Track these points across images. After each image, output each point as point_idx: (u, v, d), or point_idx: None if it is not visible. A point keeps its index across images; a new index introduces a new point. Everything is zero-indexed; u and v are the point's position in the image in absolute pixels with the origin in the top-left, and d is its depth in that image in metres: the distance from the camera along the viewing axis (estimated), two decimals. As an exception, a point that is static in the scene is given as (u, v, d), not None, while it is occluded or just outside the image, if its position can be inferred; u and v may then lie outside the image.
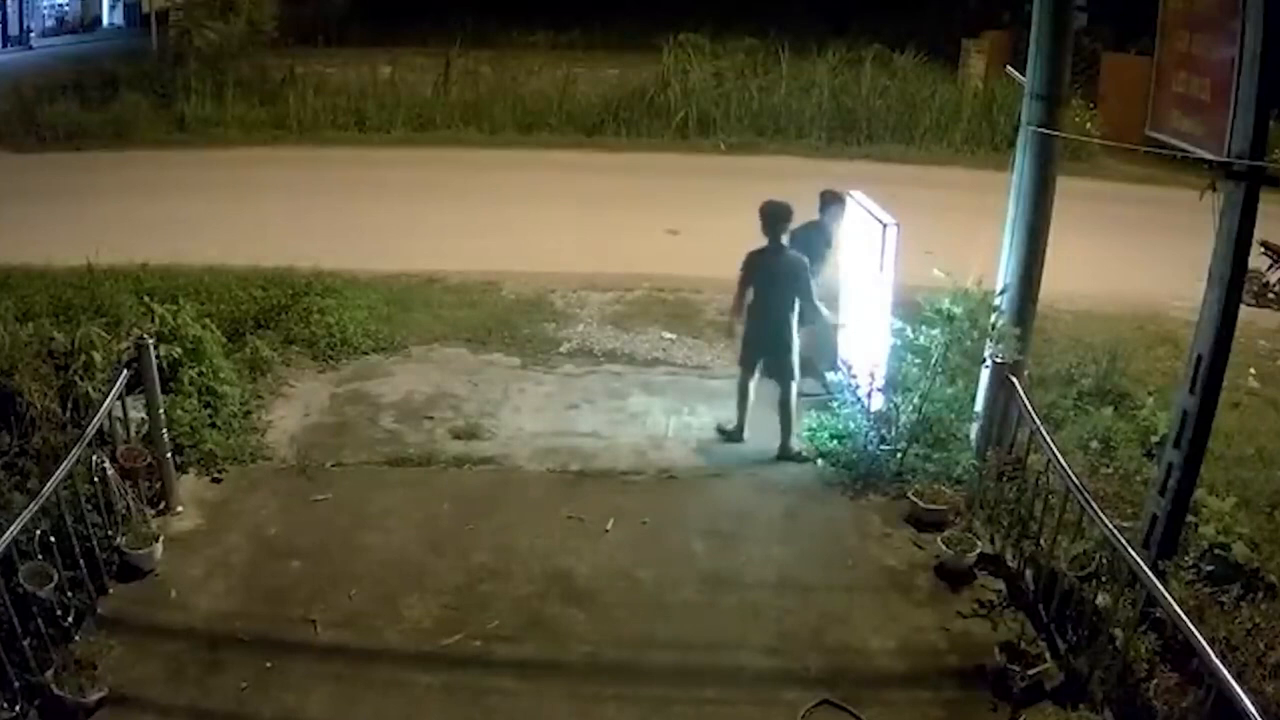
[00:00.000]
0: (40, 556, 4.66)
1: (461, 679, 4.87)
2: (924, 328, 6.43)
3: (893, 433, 6.70)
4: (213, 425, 6.72)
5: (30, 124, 16.08)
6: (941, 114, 17.03)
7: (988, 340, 6.18)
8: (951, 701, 4.80)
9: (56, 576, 4.72)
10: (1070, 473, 5.06)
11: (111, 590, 5.32)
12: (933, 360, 6.47)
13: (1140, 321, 9.43)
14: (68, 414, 6.29)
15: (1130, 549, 4.53)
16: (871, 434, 6.73)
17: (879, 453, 6.66)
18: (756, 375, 6.98)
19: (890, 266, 6.66)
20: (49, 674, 4.50)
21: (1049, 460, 5.28)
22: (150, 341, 5.83)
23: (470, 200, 12.81)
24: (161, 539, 5.62)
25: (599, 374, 8.17)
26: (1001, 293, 6.28)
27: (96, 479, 5.36)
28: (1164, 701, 4.51)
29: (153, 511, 5.95)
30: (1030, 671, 4.71)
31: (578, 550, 5.84)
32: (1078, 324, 9.19)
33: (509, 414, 7.42)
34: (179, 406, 6.55)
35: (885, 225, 6.63)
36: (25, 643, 4.51)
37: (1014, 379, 5.85)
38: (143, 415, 6.00)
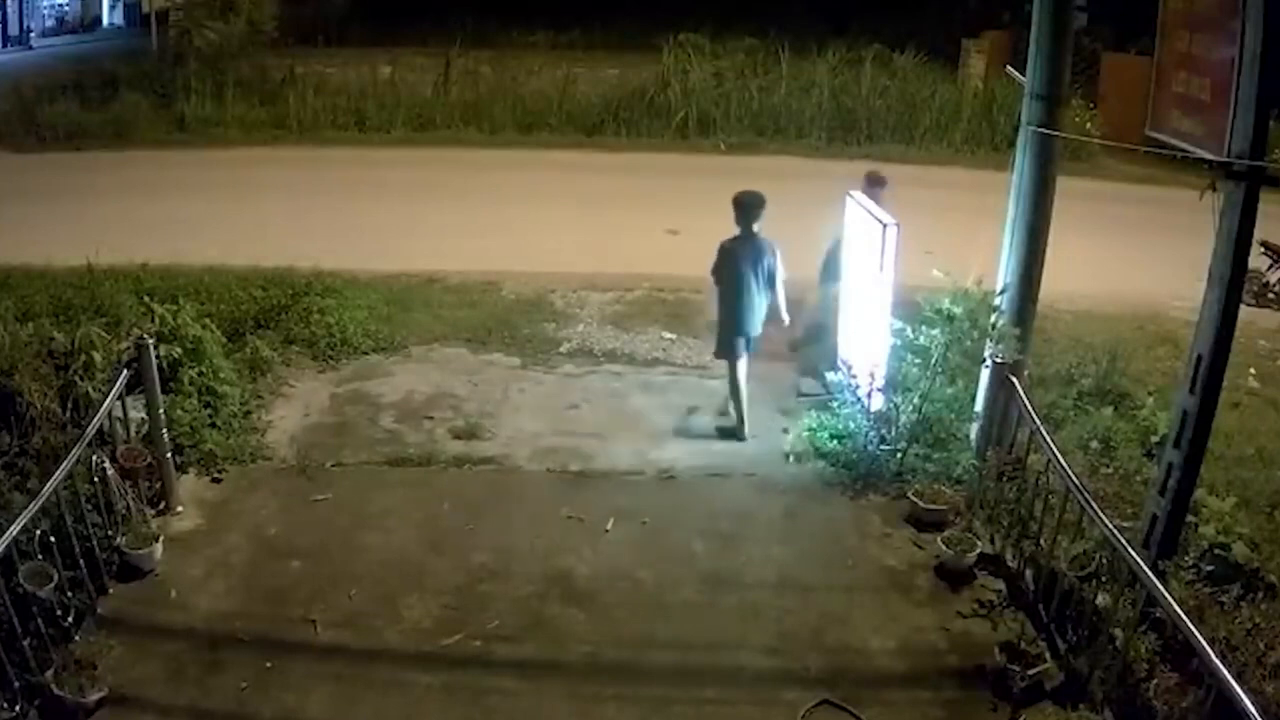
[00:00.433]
0: (40, 556, 4.66)
1: (461, 679, 4.87)
2: (924, 328, 6.43)
3: (893, 433, 6.70)
4: (213, 425, 6.72)
5: (30, 124, 16.10)
6: (941, 114, 17.04)
7: (988, 340, 6.18)
8: (951, 701, 4.80)
9: (56, 576, 4.72)
10: (1070, 473, 5.06)
11: (111, 590, 5.32)
12: (933, 360, 6.47)
13: (1140, 321, 9.43)
14: (68, 414, 6.29)
15: (1130, 549, 4.53)
16: (871, 434, 6.73)
17: (879, 453, 6.66)
18: (744, 359, 7.12)
19: (890, 266, 6.66)
20: (49, 674, 4.50)
21: (1049, 460, 5.28)
22: (150, 341, 5.83)
23: (470, 200, 12.82)
24: (161, 539, 5.62)
25: (599, 374, 8.17)
26: (1001, 293, 6.28)
27: (96, 479, 5.36)
28: (1164, 701, 4.51)
29: (153, 511, 5.95)
30: (1030, 671, 4.71)
31: (577, 550, 5.84)
32: (1078, 324, 9.19)
33: (509, 414, 7.42)
34: (179, 406, 6.55)
35: (885, 225, 6.63)
36: (25, 643, 4.51)
37: (1014, 379, 5.85)
38: (143, 415, 6.00)
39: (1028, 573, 5.46)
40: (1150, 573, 4.39)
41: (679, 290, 9.87)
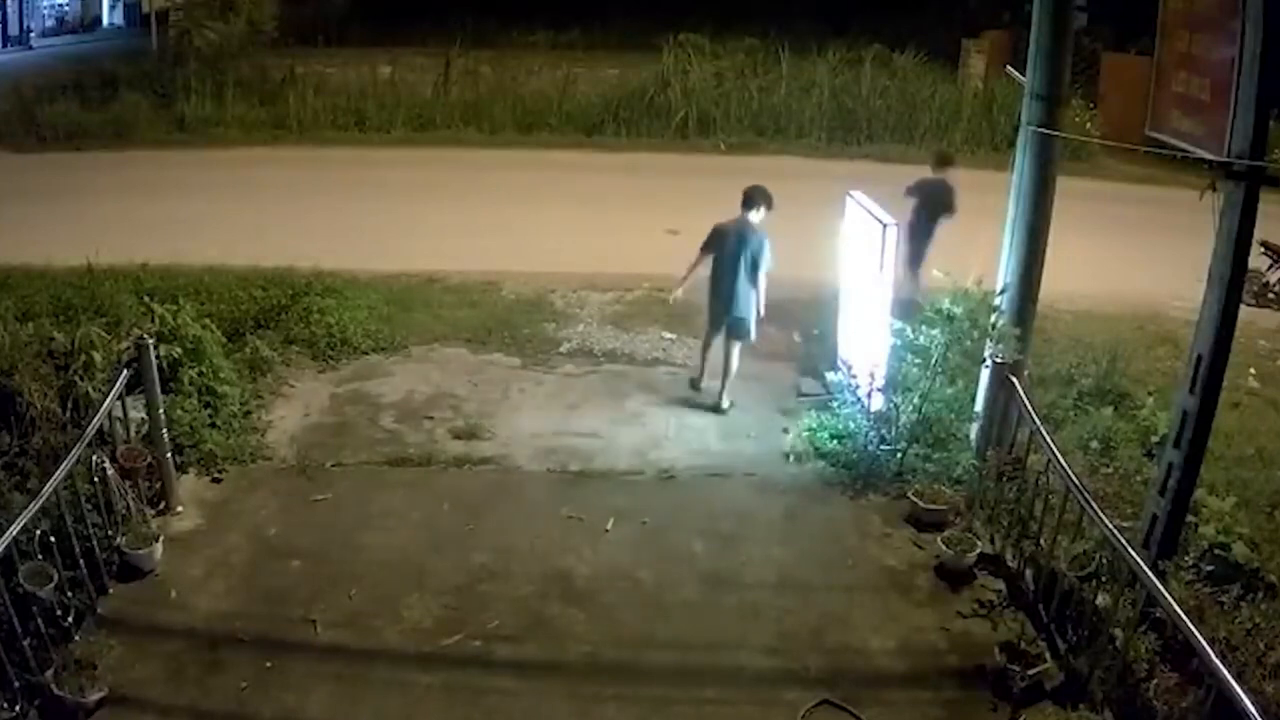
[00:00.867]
0: (40, 556, 4.66)
1: (461, 679, 4.87)
2: (924, 328, 6.43)
3: (893, 433, 6.70)
4: (213, 425, 6.72)
5: (30, 124, 16.10)
6: (941, 114, 17.03)
7: (988, 340, 6.18)
8: (951, 701, 4.80)
9: (56, 576, 4.72)
10: (1070, 473, 5.06)
11: (111, 590, 5.32)
12: (933, 360, 6.47)
13: (1140, 321, 9.43)
14: (68, 414, 6.29)
15: (1130, 549, 4.53)
16: (871, 434, 6.73)
17: (879, 453, 6.66)
18: (721, 334, 7.56)
19: (890, 266, 6.66)
20: (49, 674, 4.50)
21: (1049, 460, 5.28)
22: (150, 341, 5.83)
23: (470, 200, 12.81)
24: (161, 539, 5.62)
25: (599, 374, 8.17)
26: (1001, 293, 6.28)
27: (96, 479, 5.36)
28: (1164, 701, 4.52)
29: (153, 511, 5.96)
30: (1030, 671, 4.71)
31: (577, 550, 5.84)
32: (1078, 324, 9.19)
33: (509, 414, 7.42)
34: (179, 406, 6.55)
35: (885, 225, 6.63)
36: (25, 643, 4.51)
37: (1014, 379, 5.85)
38: (143, 415, 6.00)
39: (1028, 573, 5.46)
40: (1150, 573, 4.40)
41: (679, 290, 9.87)
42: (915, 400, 6.60)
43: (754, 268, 7.28)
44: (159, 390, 5.90)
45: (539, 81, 18.39)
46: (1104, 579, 4.96)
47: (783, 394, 7.78)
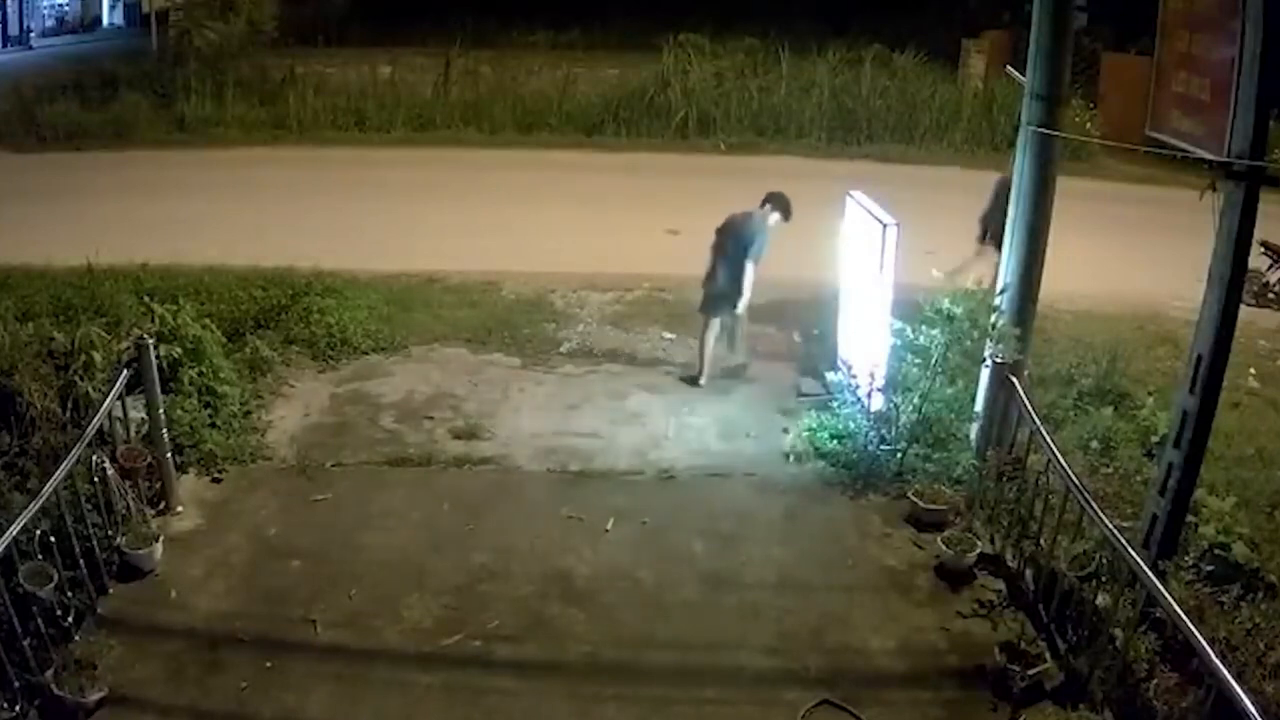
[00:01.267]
0: (40, 556, 4.66)
1: (461, 679, 4.87)
2: (924, 328, 6.43)
3: (893, 433, 6.70)
4: (213, 425, 6.71)
5: (30, 124, 16.09)
6: (941, 114, 17.03)
7: (988, 340, 6.18)
8: (951, 701, 4.80)
9: (56, 576, 4.72)
10: (1070, 473, 5.06)
11: (111, 590, 5.32)
12: (933, 360, 6.47)
13: (1140, 321, 9.43)
14: (68, 414, 6.29)
15: (1130, 549, 4.53)
16: (871, 434, 6.73)
17: (879, 453, 6.66)
18: (714, 318, 7.85)
19: (890, 266, 6.66)
20: (49, 674, 4.50)
21: (1049, 460, 5.28)
22: (150, 341, 5.83)
23: (470, 200, 12.81)
24: (161, 539, 5.62)
25: (599, 374, 8.17)
26: (1001, 293, 6.28)
27: (96, 479, 5.36)
28: (1164, 701, 4.51)
29: (153, 511, 5.96)
30: (1030, 671, 4.71)
31: (577, 550, 5.84)
32: (1078, 324, 9.19)
33: (509, 414, 7.42)
34: (179, 406, 6.55)
35: (885, 225, 6.63)
36: (25, 643, 4.51)
37: (1014, 379, 5.85)
38: (143, 415, 6.00)
39: (1028, 573, 5.46)
40: (1150, 573, 4.40)
41: (679, 290, 9.85)
42: (915, 400, 6.60)
43: (742, 253, 7.58)
44: (159, 390, 5.90)
45: (539, 81, 18.38)
46: (1104, 579, 4.96)
47: (783, 394, 7.78)
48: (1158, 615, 4.66)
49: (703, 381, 7.85)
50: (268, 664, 4.88)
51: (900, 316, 6.71)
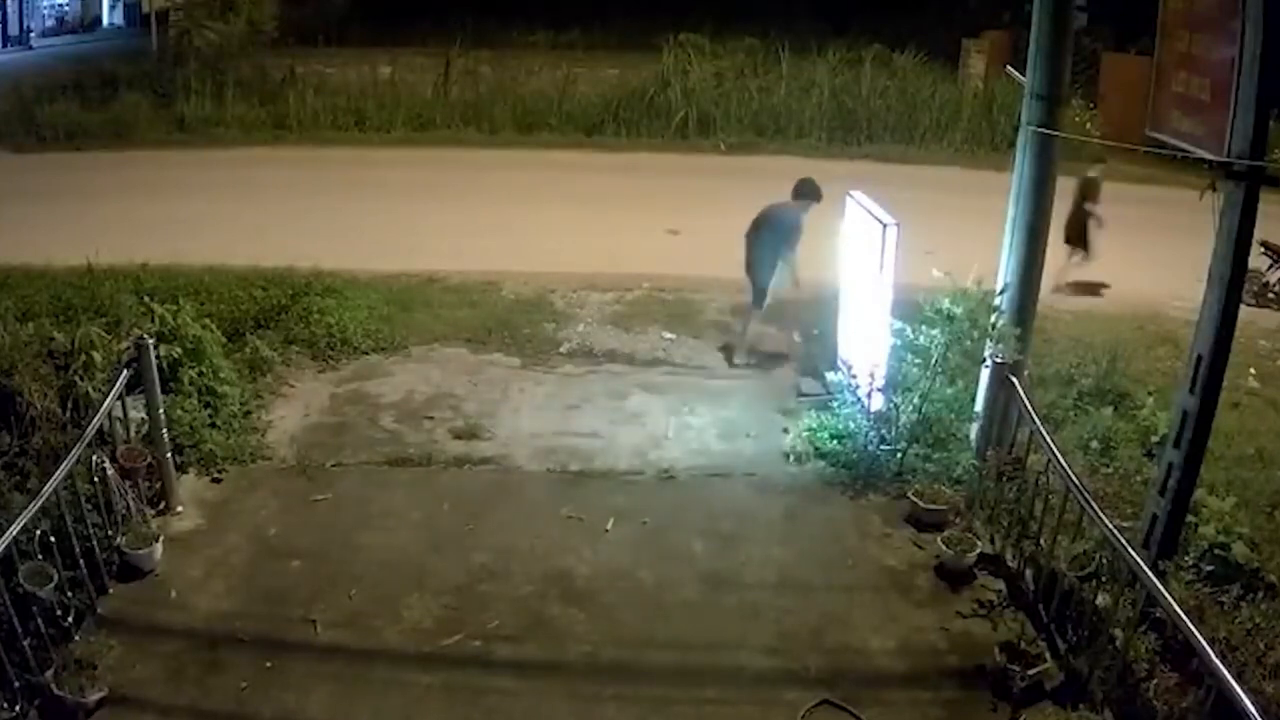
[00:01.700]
0: (40, 556, 4.65)
1: (461, 679, 4.87)
2: (924, 328, 6.43)
3: (893, 433, 6.70)
4: (213, 425, 6.71)
5: (30, 124, 16.11)
6: (941, 114, 17.04)
7: (988, 340, 6.18)
8: (951, 701, 4.80)
9: (56, 576, 4.72)
10: (1070, 473, 5.06)
11: (111, 590, 5.32)
12: (933, 360, 6.47)
13: (1140, 321, 9.43)
14: (68, 414, 6.29)
15: (1130, 549, 4.53)
16: (871, 434, 6.73)
17: (879, 453, 6.65)
18: (756, 302, 8.12)
19: (890, 266, 6.66)
20: (49, 674, 4.50)
21: (1049, 460, 5.28)
22: (150, 341, 5.83)
23: (470, 200, 12.82)
24: (161, 539, 5.62)
25: (599, 374, 8.16)
26: (1001, 293, 6.28)
27: (96, 479, 5.36)
28: (1164, 701, 4.52)
29: (153, 511, 5.95)
30: (1030, 671, 4.71)
31: (577, 550, 5.84)
32: (1078, 324, 9.19)
33: (509, 414, 7.42)
34: (179, 406, 6.55)
35: (885, 225, 6.63)
36: (25, 643, 4.51)
37: (1014, 379, 5.84)
38: (143, 415, 6.00)
39: (1028, 573, 5.46)
40: (1150, 573, 4.39)
41: (679, 290, 9.88)
42: (915, 400, 6.60)
43: (780, 244, 7.84)
44: (159, 390, 5.90)
45: (539, 81, 18.39)
46: (1104, 579, 4.96)
47: (783, 394, 7.78)
48: (1158, 615, 4.66)
49: (738, 360, 8.26)
50: (268, 664, 4.88)
51: (900, 316, 6.71)
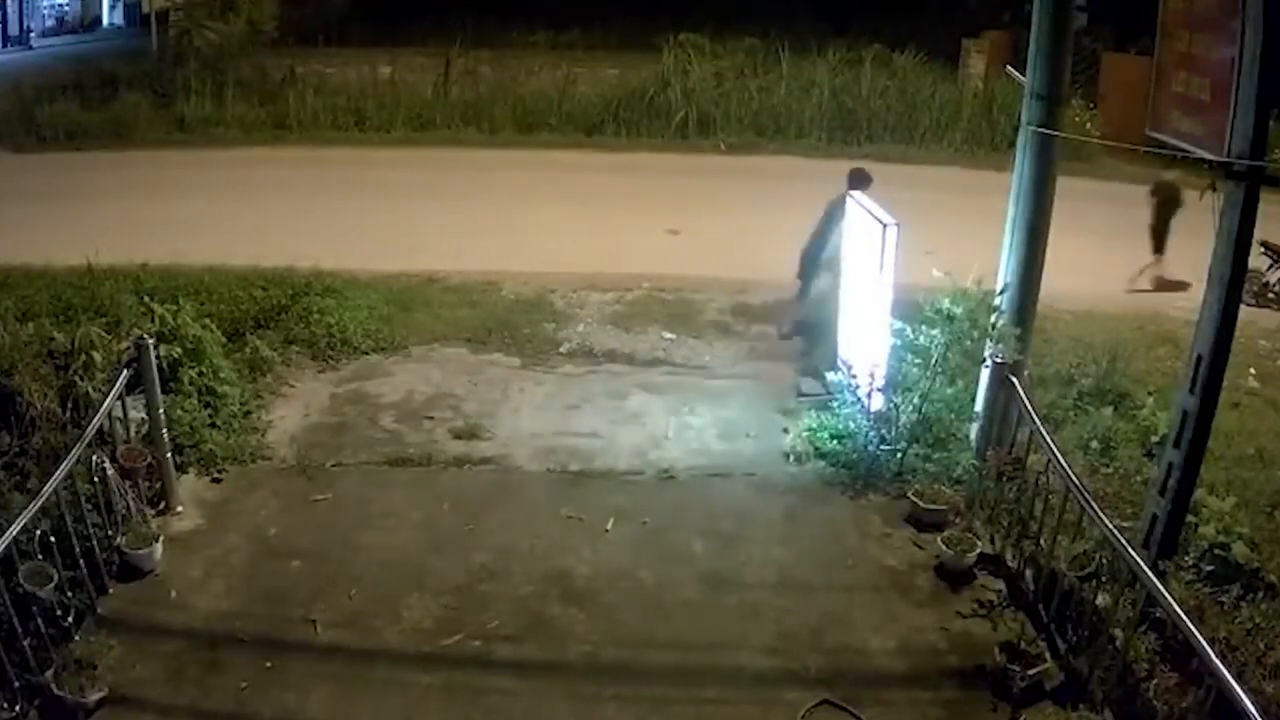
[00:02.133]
0: (40, 556, 4.66)
1: (461, 679, 4.87)
2: (924, 328, 6.43)
3: (893, 433, 6.70)
4: (213, 425, 6.71)
5: (30, 124, 16.11)
6: (941, 114, 17.04)
7: (988, 340, 6.18)
8: (951, 701, 4.80)
9: (56, 576, 4.72)
10: (1070, 473, 5.06)
11: (111, 590, 5.32)
12: (933, 360, 6.47)
13: (1140, 321, 9.42)
14: (68, 414, 6.29)
15: (1130, 549, 4.53)
16: (871, 434, 6.73)
17: (879, 453, 6.65)
18: (812, 284, 8.18)
19: (890, 266, 6.66)
20: (49, 674, 4.50)
21: (1049, 460, 5.28)
22: (150, 341, 5.83)
23: (470, 200, 12.82)
24: (161, 539, 5.62)
25: (599, 374, 8.16)
26: (1001, 293, 6.28)
27: (96, 479, 5.36)
28: (1164, 701, 4.52)
29: (153, 511, 5.95)
30: (1030, 671, 4.71)
31: (577, 550, 5.84)
32: (1078, 324, 9.18)
33: (509, 414, 7.42)
34: (179, 406, 6.55)
35: (885, 225, 6.63)
36: (25, 643, 4.51)
37: (1014, 379, 5.84)
38: (143, 415, 6.00)
39: (1028, 573, 5.46)
40: (1150, 573, 4.39)
41: (679, 290, 9.88)
42: (915, 400, 6.60)
43: (836, 234, 7.83)
44: (159, 390, 5.90)
45: (539, 81, 18.39)
46: (1104, 579, 4.96)
47: (783, 394, 7.77)
48: (1158, 615, 4.66)
49: (785, 330, 8.61)
50: (268, 664, 4.88)
51: (900, 316, 6.71)
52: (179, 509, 6.06)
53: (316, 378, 7.93)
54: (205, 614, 5.22)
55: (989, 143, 16.15)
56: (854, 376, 7.08)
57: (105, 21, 30.41)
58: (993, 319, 6.17)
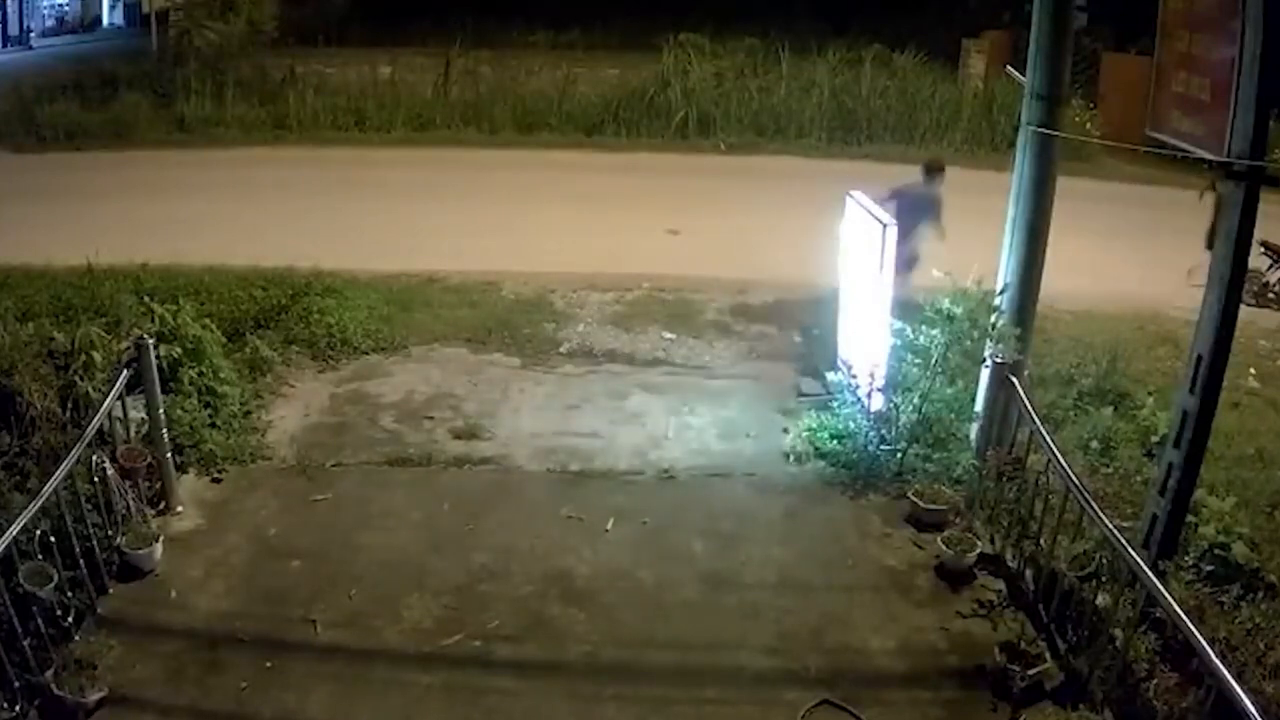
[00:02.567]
0: (40, 556, 4.66)
1: (461, 679, 4.87)
2: (924, 328, 6.43)
3: (893, 433, 6.70)
4: (213, 425, 6.71)
5: (30, 124, 16.09)
6: (941, 114, 17.03)
7: (988, 340, 6.18)
8: (951, 701, 4.80)
9: (56, 576, 4.72)
10: (1070, 473, 5.05)
11: (111, 590, 5.32)
12: (933, 360, 6.47)
13: (1140, 321, 9.43)
14: (68, 414, 6.29)
15: (1130, 549, 4.53)
16: (871, 434, 6.73)
17: (879, 453, 6.66)
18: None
19: (890, 266, 6.66)
20: (49, 674, 4.50)
21: (1049, 460, 5.28)
22: (150, 341, 5.82)
23: (470, 200, 12.82)
24: (161, 539, 5.62)
25: (599, 374, 8.16)
26: (1001, 293, 6.28)
27: (96, 479, 5.36)
28: (1164, 701, 4.52)
29: (153, 511, 5.95)
30: (1030, 671, 4.71)
31: (577, 550, 5.84)
32: (1078, 324, 9.18)
33: (509, 414, 7.42)
34: (179, 406, 6.55)
35: (885, 225, 6.63)
36: (25, 643, 4.51)
37: (1014, 379, 5.84)
38: (143, 415, 6.00)
39: (1028, 573, 5.46)
40: (1150, 573, 4.39)
41: (679, 290, 9.88)
42: (915, 400, 6.60)
43: (921, 221, 8.03)
44: (159, 390, 5.90)
45: (539, 81, 18.38)
46: (1104, 579, 4.96)
47: (783, 394, 7.78)
48: (1158, 615, 4.66)
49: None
50: (268, 664, 4.88)
51: (900, 317, 6.71)
52: (179, 509, 6.06)
53: (316, 378, 7.93)
54: (205, 614, 5.23)
55: (989, 143, 16.14)
56: (854, 376, 7.08)
57: (105, 21, 30.39)
58: (993, 319, 6.17)
